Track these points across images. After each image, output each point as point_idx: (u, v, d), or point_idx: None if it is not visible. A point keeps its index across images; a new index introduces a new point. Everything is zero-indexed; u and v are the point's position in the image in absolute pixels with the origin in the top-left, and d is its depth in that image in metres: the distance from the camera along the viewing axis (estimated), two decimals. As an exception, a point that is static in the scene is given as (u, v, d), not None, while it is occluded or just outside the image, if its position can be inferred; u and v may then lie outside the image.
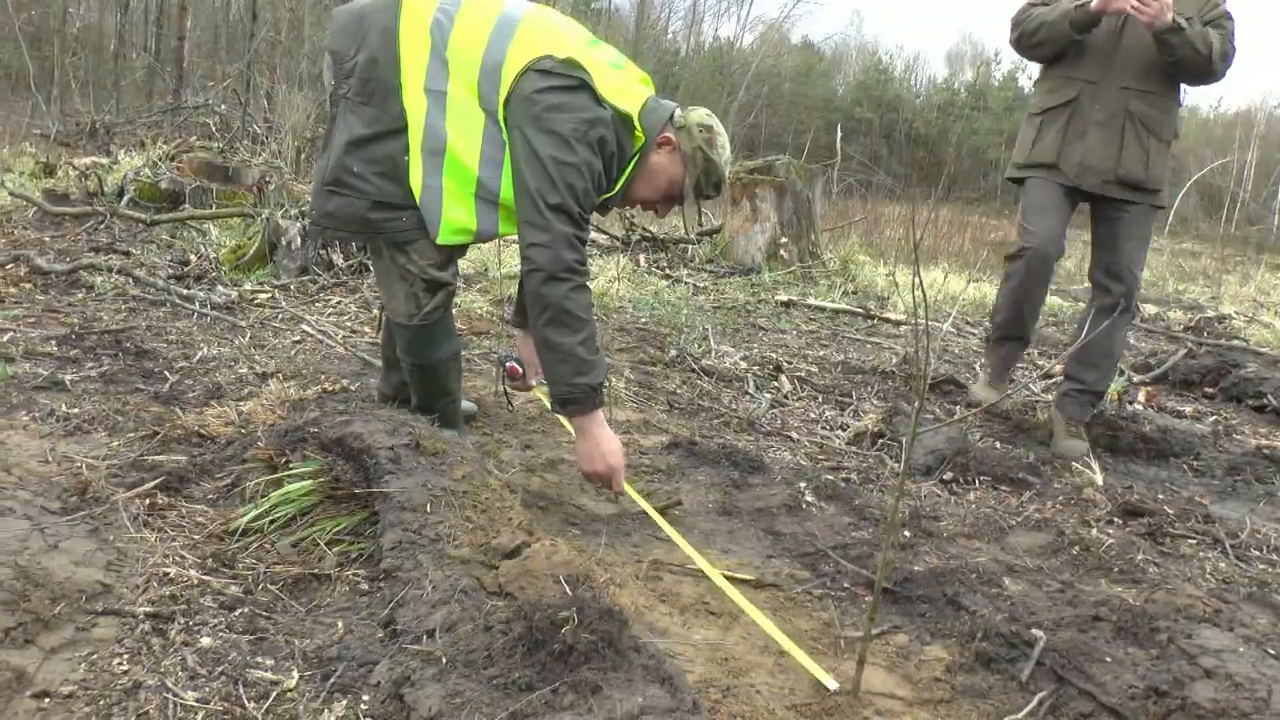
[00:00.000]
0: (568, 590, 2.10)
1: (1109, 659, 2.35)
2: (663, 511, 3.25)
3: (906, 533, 3.25)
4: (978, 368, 6.18)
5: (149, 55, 25.25)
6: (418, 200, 3.09)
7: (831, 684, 2.26)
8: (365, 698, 1.92)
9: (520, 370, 3.70)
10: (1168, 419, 5.19)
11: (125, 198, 7.44)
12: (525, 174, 2.96)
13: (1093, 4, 4.29)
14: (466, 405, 3.96)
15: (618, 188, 3.19)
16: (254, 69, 21.71)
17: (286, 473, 2.68)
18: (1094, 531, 3.34)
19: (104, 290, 5.47)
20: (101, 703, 1.85)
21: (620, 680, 1.82)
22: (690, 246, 9.57)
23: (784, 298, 7.84)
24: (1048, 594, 2.75)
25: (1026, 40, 4.59)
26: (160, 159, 8.20)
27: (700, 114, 3.26)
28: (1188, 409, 5.62)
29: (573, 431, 3.17)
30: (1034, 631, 2.47)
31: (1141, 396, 5.66)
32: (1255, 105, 52.35)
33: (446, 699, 1.78)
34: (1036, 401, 5.34)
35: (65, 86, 21.17)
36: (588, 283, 3.05)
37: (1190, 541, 3.41)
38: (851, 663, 2.34)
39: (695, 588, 2.76)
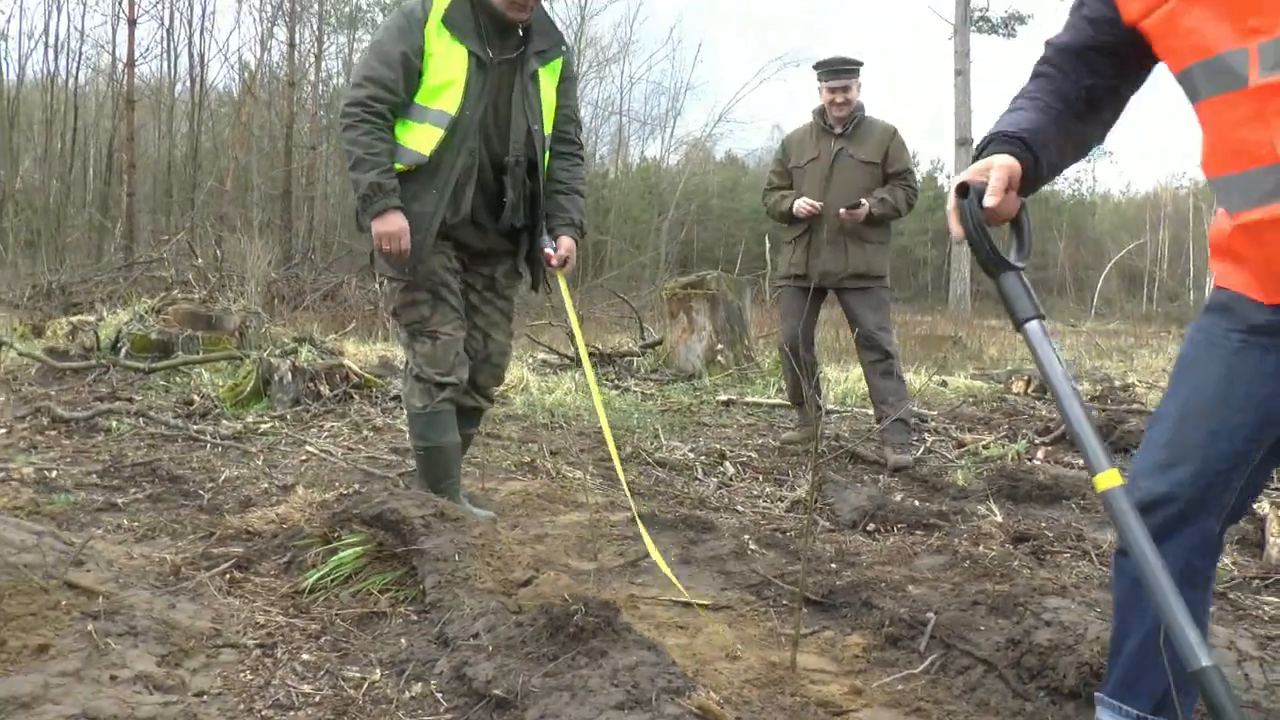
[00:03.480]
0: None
1: (983, 628, 3.11)
2: (633, 564, 3.99)
3: (832, 565, 4.01)
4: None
5: (96, 212, 26.00)
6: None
7: (698, 601, 3.03)
8: (434, 681, 2.65)
9: (551, 255, 4.33)
10: (1061, 469, 6.02)
11: (123, 350, 8.16)
12: None
13: (795, 208, 6.44)
14: (483, 513, 4.59)
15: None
16: (204, 220, 22.52)
17: (339, 543, 3.41)
18: (981, 548, 4.13)
19: (122, 431, 6.16)
20: (244, 695, 2.56)
21: (619, 647, 2.56)
22: (635, 359, 10.40)
23: (724, 397, 8.65)
24: (941, 593, 3.52)
25: (770, 216, 6.90)
26: (146, 312, 8.94)
27: None
28: (1080, 461, 6.44)
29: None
30: (928, 614, 3.24)
31: (1040, 454, 6.50)
32: (1161, 187, 54.83)
33: (496, 669, 2.51)
34: (949, 465, 6.16)
35: (28, 244, 21.88)
36: (354, 113, 3.96)
37: (1065, 556, 4.20)
38: (791, 653, 3.08)
39: (668, 612, 3.49)
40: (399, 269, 4.06)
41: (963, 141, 27.58)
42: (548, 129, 4.30)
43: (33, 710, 2.26)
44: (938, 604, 3.37)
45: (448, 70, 4.01)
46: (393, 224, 3.94)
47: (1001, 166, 2.02)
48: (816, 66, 6.55)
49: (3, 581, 2.79)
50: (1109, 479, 1.86)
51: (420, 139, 4.02)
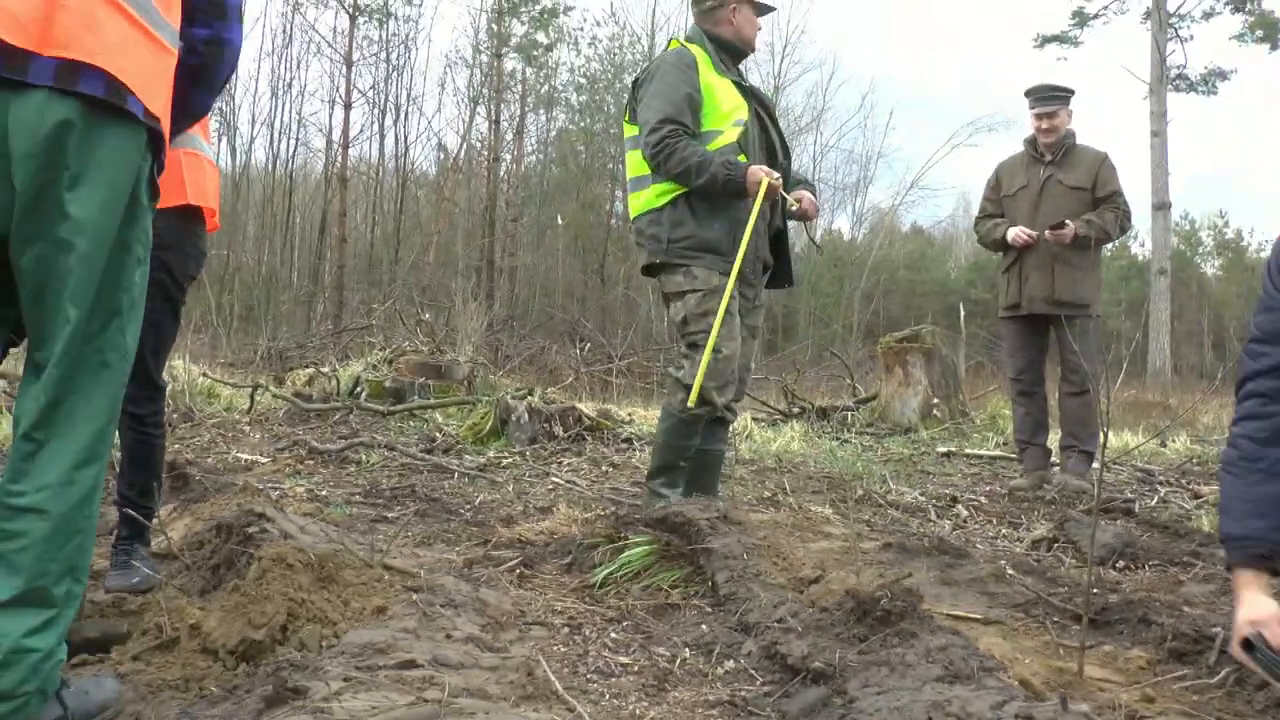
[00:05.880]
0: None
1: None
2: (896, 582, 4.03)
3: (1095, 590, 3.98)
4: (1128, 492, 6.85)
5: (309, 283, 27.43)
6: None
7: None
8: (743, 659, 2.76)
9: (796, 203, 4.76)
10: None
11: (361, 395, 8.62)
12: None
13: (1009, 236, 6.49)
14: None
15: (724, 43, 4.67)
16: (408, 290, 23.50)
17: (626, 543, 3.57)
18: (1256, 578, 4.03)
19: (372, 462, 6.52)
20: (565, 662, 2.72)
21: (926, 630, 2.63)
22: (850, 414, 10.44)
23: (944, 449, 8.61)
24: (1221, 614, 3.47)
25: (981, 245, 7.12)
26: (379, 362, 9.43)
27: None
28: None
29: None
30: (1214, 629, 3.20)
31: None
32: None
33: (810, 647, 2.61)
34: (1189, 514, 6.02)
35: (241, 318, 23.26)
36: (670, 142, 4.35)
37: (1341, 592, 4.07)
38: (1073, 664, 3.09)
39: (947, 620, 3.53)
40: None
41: (1160, 206, 25.97)
42: None
43: (388, 655, 2.45)
44: (1220, 623, 3.32)
45: (729, 98, 4.52)
46: (757, 172, 4.39)
47: (1266, 616, 2.54)
48: (1027, 93, 6.70)
49: (336, 558, 3.03)
50: None
51: (726, 139, 4.47)
